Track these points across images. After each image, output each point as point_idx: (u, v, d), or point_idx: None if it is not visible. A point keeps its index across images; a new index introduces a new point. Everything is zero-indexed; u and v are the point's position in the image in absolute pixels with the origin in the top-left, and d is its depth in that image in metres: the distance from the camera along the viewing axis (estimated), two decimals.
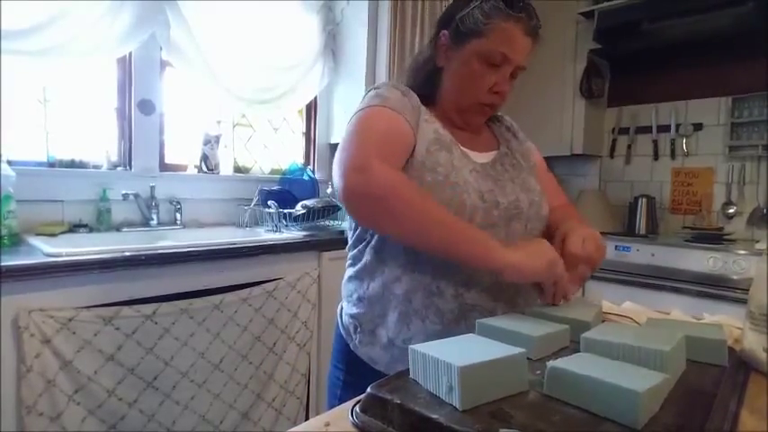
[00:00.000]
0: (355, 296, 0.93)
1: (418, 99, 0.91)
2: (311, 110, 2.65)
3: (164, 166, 2.06)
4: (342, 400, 0.92)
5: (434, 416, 0.46)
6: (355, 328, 0.91)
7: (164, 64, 2.01)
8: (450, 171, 0.83)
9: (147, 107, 1.96)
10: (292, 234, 1.94)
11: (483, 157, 0.92)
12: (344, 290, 0.97)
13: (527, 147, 1.04)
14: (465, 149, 0.90)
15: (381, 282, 0.87)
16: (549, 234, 0.93)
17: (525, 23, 0.86)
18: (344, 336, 0.95)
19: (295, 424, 0.55)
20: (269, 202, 2.03)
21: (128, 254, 1.37)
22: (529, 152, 1.03)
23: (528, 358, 0.55)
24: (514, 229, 0.87)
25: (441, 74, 0.94)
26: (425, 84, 0.96)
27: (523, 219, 0.88)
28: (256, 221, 2.12)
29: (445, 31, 0.91)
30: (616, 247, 2.21)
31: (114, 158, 1.93)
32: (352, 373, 0.92)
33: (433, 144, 0.85)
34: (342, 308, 0.98)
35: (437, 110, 0.96)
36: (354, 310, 0.92)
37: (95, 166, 1.86)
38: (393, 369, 0.84)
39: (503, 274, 0.74)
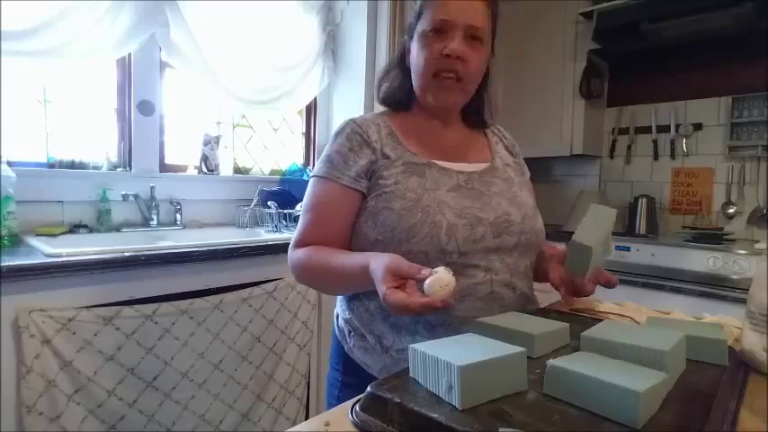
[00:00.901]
0: (346, 302, 0.93)
1: (384, 131, 0.92)
2: (311, 110, 2.65)
3: (164, 167, 2.06)
4: (340, 401, 0.92)
5: (434, 415, 0.46)
6: (349, 332, 0.92)
7: (163, 65, 2.01)
8: (420, 195, 0.83)
9: (146, 108, 1.96)
10: (292, 234, 1.94)
11: (471, 167, 0.92)
12: None
13: (523, 166, 1.05)
14: (447, 164, 0.90)
15: (370, 293, 0.86)
16: (541, 259, 0.93)
17: None
18: (340, 338, 0.95)
19: (295, 424, 0.55)
20: (269, 203, 2.03)
21: (128, 254, 1.37)
22: (523, 169, 1.04)
23: (527, 357, 0.55)
24: (506, 242, 0.85)
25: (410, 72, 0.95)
26: (397, 87, 0.97)
27: (516, 232, 0.87)
28: (256, 222, 2.12)
29: (405, 36, 0.96)
30: (616, 247, 2.21)
31: (114, 159, 1.93)
32: (350, 375, 0.92)
33: (401, 174, 0.86)
34: (337, 311, 0.98)
35: (416, 110, 0.97)
36: (348, 315, 0.92)
37: (95, 167, 1.86)
38: (385, 376, 0.84)
39: None
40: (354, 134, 0.91)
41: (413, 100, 0.97)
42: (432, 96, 0.92)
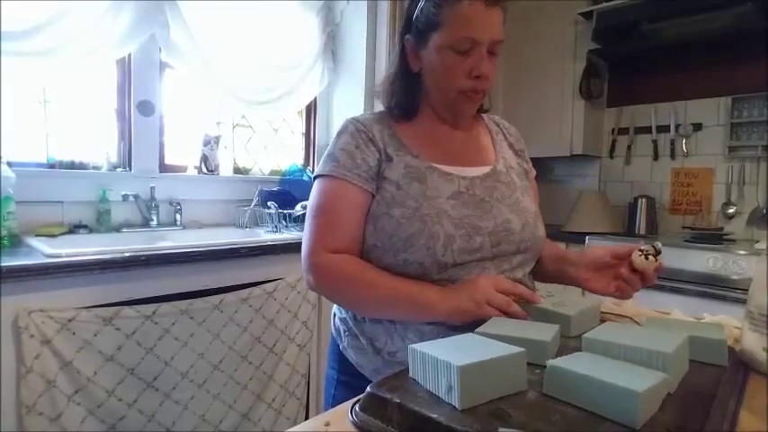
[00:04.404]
0: None
1: (386, 132, 0.90)
2: (311, 110, 2.65)
3: (163, 167, 2.06)
4: (336, 399, 0.93)
5: (434, 415, 0.46)
6: (344, 332, 0.92)
7: (163, 65, 2.01)
8: (420, 203, 0.82)
9: (146, 108, 1.96)
10: (292, 234, 1.94)
11: (474, 171, 0.90)
12: None
13: (527, 163, 1.03)
14: (449, 169, 0.87)
15: None
16: (561, 262, 0.94)
17: None
18: (335, 336, 0.96)
19: (295, 424, 0.55)
20: (269, 203, 2.03)
21: (127, 254, 1.37)
22: (527, 172, 1.01)
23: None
24: (504, 250, 0.84)
25: (419, 79, 0.91)
26: (406, 95, 0.92)
27: (515, 240, 0.85)
28: (256, 222, 2.12)
29: (408, 36, 0.89)
30: None
31: (114, 159, 1.93)
32: (346, 373, 0.93)
33: (403, 178, 0.84)
34: (334, 309, 0.98)
35: (424, 114, 0.93)
36: (343, 314, 0.92)
37: (95, 168, 1.86)
38: (377, 377, 0.84)
39: (448, 321, 0.77)
40: (359, 132, 0.89)
41: (420, 104, 0.94)
42: (452, 111, 0.91)
